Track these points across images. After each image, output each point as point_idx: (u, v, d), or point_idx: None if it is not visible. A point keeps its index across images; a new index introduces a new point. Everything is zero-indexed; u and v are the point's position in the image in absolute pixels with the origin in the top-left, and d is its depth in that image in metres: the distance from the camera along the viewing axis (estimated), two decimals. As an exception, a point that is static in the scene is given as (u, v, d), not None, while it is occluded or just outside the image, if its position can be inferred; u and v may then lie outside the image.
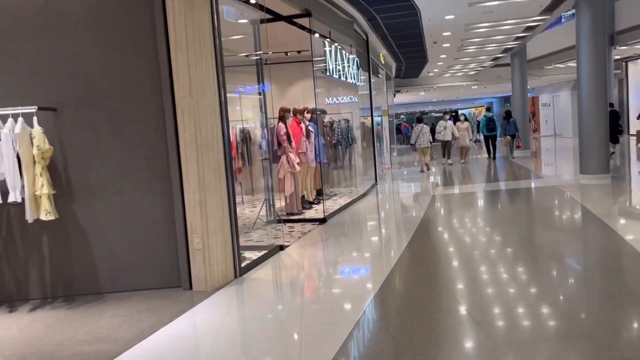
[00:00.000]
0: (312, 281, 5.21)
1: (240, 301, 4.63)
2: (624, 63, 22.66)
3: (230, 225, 5.11)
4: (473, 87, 28.18)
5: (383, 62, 15.82)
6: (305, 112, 9.62)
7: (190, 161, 4.75)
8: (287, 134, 8.64)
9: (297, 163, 8.81)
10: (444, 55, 17.74)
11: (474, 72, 24.45)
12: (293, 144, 8.78)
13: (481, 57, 19.27)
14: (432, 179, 13.89)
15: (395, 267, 5.19)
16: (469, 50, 16.85)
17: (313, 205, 9.53)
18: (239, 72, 8.96)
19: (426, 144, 14.84)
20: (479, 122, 22.69)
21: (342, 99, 12.30)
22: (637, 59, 22.04)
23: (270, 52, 11.58)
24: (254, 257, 5.80)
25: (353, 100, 12.33)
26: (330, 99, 12.36)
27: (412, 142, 15.25)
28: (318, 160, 10.22)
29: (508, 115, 17.81)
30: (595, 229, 6.54)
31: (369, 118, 16.02)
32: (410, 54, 16.76)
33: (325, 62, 8.96)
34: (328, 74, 9.05)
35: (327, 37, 9.25)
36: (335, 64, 9.45)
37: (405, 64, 19.80)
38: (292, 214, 8.69)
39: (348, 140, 11.97)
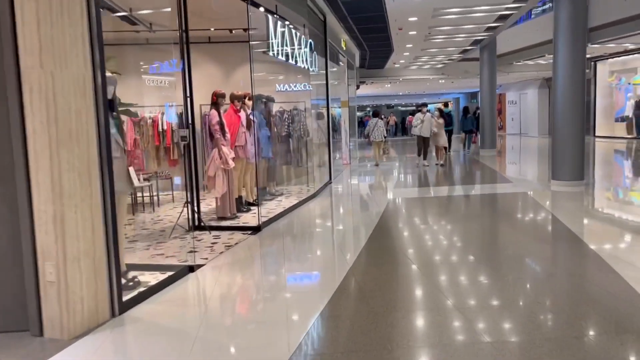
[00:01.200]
0: (216, 326, 3.92)
1: (109, 356, 3.30)
2: (592, 63, 22.08)
3: (107, 248, 3.75)
4: (440, 81, 27.28)
5: (344, 48, 14.55)
6: (247, 98, 8.27)
7: (42, 159, 3.36)
8: (221, 123, 7.29)
9: (232, 158, 7.48)
10: (410, 45, 16.61)
11: (442, 65, 23.48)
12: (227, 135, 7.43)
13: (449, 49, 18.23)
14: (390, 178, 12.77)
15: (333, 302, 3.96)
16: (437, 41, 15.76)
17: (252, 208, 8.23)
18: (163, 51, 7.54)
19: (380, 138, 14.99)
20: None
21: (295, 87, 10.99)
22: (607, 58, 21.47)
23: (212, 29, 10.20)
24: (153, 283, 4.47)
25: (307, 88, 11.03)
26: (282, 85, 11.03)
27: (365, 134, 15.64)
28: (263, 155, 8.91)
29: (465, 111, 18.40)
30: (575, 253, 5.47)
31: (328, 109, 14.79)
32: (374, 41, 15.54)
33: (269, 42, 7.61)
34: (272, 55, 7.71)
35: (273, 12, 7.91)
36: (283, 45, 8.12)
37: (370, 53, 18.60)
38: (224, 219, 7.36)
39: (300, 133, 10.69)
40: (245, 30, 8.89)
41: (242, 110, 8.26)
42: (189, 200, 6.62)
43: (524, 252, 5.43)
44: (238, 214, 7.68)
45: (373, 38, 14.90)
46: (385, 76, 24.68)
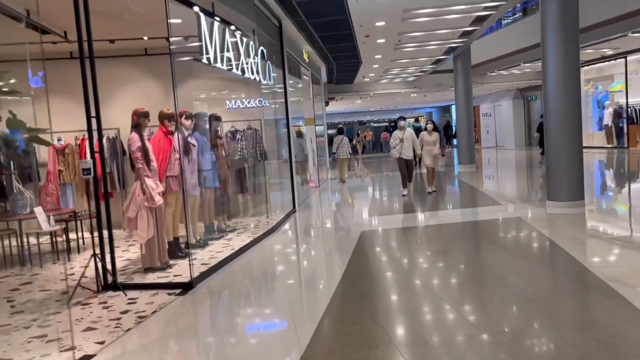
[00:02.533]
0: None
1: None
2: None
3: None
4: (412, 95, 26.21)
5: (307, 60, 13.19)
6: (183, 117, 6.77)
7: None
8: (144, 149, 5.75)
9: (162, 192, 5.93)
10: (380, 56, 15.37)
11: (413, 77, 22.37)
12: (154, 164, 5.88)
13: (421, 59, 17.07)
14: (363, 202, 11.33)
15: None
16: (408, 50, 14.54)
17: (197, 251, 6.66)
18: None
19: (345, 155, 14.94)
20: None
21: (249, 103, 9.53)
22: (583, 66, 20.65)
23: (146, 38, 8.68)
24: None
25: (263, 104, 9.58)
26: (233, 102, 9.56)
27: (333, 151, 15.39)
28: (207, 185, 7.38)
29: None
30: (602, 303, 4.07)
31: (295, 127, 13.41)
32: (340, 52, 14.23)
33: (202, 46, 6.13)
34: (206, 61, 6.22)
35: (208, 11, 6.47)
36: (223, 51, 6.66)
37: (337, 66, 17.32)
38: (153, 270, 5.79)
39: (257, 156, 9.20)
40: (186, 38, 7.43)
41: (176, 133, 6.75)
42: (94, 253, 5.04)
43: (540, 303, 4.00)
44: (172, 262, 6.10)
45: (338, 49, 13.59)
46: (355, 91, 23.46)
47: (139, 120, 5.83)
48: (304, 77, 14.11)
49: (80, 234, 7.97)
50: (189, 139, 6.84)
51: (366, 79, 21.83)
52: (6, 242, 7.05)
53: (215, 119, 7.89)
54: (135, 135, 5.78)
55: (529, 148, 24.84)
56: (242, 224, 8.75)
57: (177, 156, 6.41)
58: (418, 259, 6.07)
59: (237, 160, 8.95)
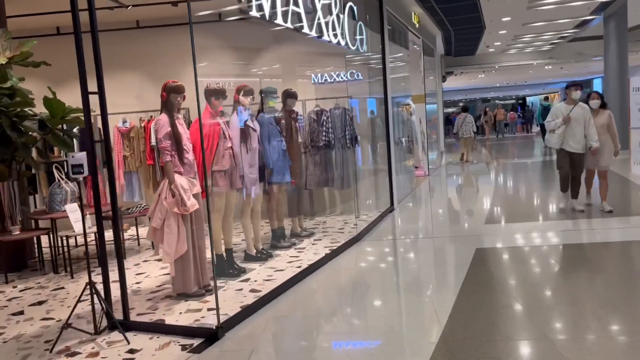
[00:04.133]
0: None
1: None
2: None
3: None
4: (546, 67, 22.65)
5: (417, 25, 11.08)
6: (241, 93, 5.25)
7: None
8: (175, 135, 4.30)
9: (197, 195, 4.46)
10: (508, 18, 12.71)
11: (549, 46, 19.04)
12: (188, 156, 4.41)
13: (561, 22, 14.00)
14: (487, 196, 9.09)
15: None
16: (545, 9, 11.76)
17: (256, 266, 5.16)
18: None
19: (469, 133, 14.23)
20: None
21: (340, 76, 7.81)
22: None
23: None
24: None
25: (356, 77, 7.82)
26: (320, 76, 7.89)
27: (454, 131, 14.85)
28: (274, 180, 5.83)
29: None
30: None
31: (403, 105, 11.49)
32: (458, 14, 11.87)
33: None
34: (259, 16, 4.56)
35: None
36: (289, 5, 4.97)
37: (455, 34, 14.89)
38: (188, 296, 4.37)
39: (346, 141, 7.51)
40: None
41: (234, 114, 5.26)
42: (89, 282, 3.70)
43: None
44: (221, 283, 4.64)
45: (457, 9, 11.27)
46: (477, 64, 20.64)
47: (169, 98, 4.36)
48: (414, 46, 12.03)
49: (134, 233, 6.92)
50: (249, 122, 5.30)
51: (490, 49, 18.96)
52: (45, 242, 6.12)
53: (288, 96, 6.27)
54: (164, 118, 4.33)
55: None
56: (324, 226, 7.12)
57: (229, 145, 4.91)
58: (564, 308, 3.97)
59: (320, 147, 7.32)
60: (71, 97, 5.22)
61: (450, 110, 39.05)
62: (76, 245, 6.55)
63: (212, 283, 4.55)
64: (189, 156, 4.42)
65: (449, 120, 25.46)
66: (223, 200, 4.93)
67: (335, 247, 5.76)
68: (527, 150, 19.09)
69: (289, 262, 5.37)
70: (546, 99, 21.86)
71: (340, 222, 7.30)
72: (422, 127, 12.42)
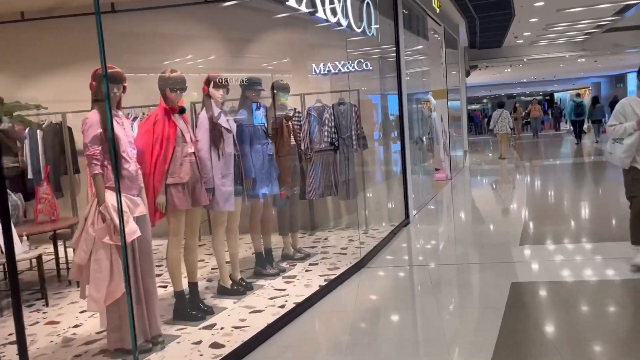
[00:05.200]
0: None
1: None
2: None
3: None
4: (579, 60, 21.05)
5: (437, 11, 9.83)
6: (211, 85, 4.15)
7: None
8: (109, 138, 3.19)
9: (143, 218, 3.35)
10: (541, 3, 11.35)
11: (583, 36, 17.52)
12: (130, 167, 3.30)
13: (600, 7, 12.53)
14: (514, 209, 7.81)
15: None
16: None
17: (233, 301, 4.06)
18: None
19: (505, 129, 14.00)
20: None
21: (347, 66, 6.64)
22: None
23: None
24: None
25: (365, 67, 6.66)
26: (322, 67, 6.73)
27: (490, 127, 14.71)
28: (256, 192, 4.71)
29: (594, 101, 17.83)
30: None
31: (425, 102, 10.32)
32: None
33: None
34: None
35: None
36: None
37: (481, 22, 13.55)
38: (128, 352, 3.27)
39: (352, 143, 6.39)
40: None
41: (203, 111, 4.17)
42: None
43: None
44: (180, 329, 3.54)
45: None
46: (504, 57, 19.19)
47: (99, 88, 3.26)
48: (434, 35, 10.79)
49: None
50: (222, 121, 4.18)
51: (519, 41, 17.52)
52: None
53: (278, 88, 5.14)
54: (92, 116, 3.24)
55: None
56: (325, 244, 5.97)
57: (189, 150, 3.79)
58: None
59: (322, 150, 6.20)
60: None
61: (472, 107, 37.37)
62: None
63: (163, 331, 3.47)
64: (130, 167, 3.31)
65: (471, 118, 23.91)
66: (182, 221, 3.82)
67: (332, 277, 4.61)
68: (559, 149, 17.68)
69: (272, 297, 4.24)
70: (578, 95, 20.35)
71: (344, 239, 6.13)
72: (444, 125, 11.17)
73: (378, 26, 6.27)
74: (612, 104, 29.58)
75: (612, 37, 18.11)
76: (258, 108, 4.75)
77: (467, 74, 19.68)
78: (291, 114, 5.40)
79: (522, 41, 17.68)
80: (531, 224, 6.58)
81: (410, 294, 4.52)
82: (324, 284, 4.45)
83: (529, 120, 24.65)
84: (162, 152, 3.66)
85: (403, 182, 6.86)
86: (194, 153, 3.84)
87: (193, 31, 6.25)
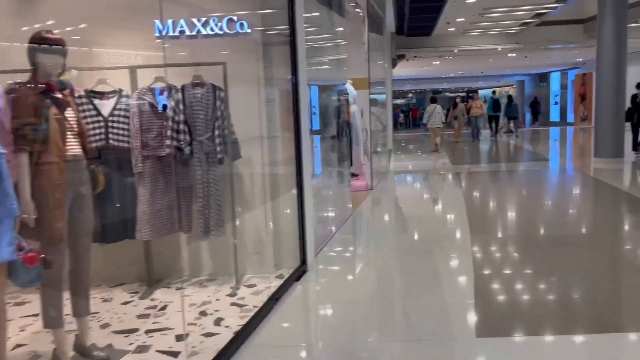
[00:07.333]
0: None
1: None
2: None
3: None
4: (509, 54, 19.89)
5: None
6: None
7: None
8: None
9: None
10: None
11: (518, 27, 16.14)
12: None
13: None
14: (459, 251, 5.68)
15: None
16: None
17: None
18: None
19: (438, 124, 14.41)
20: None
21: (209, 26, 4.20)
22: None
23: None
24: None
25: (240, 30, 4.29)
26: (166, 24, 4.26)
27: (424, 121, 14.91)
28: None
29: (509, 99, 20.08)
30: None
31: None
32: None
33: None
34: None
35: None
36: None
37: (411, 7, 11.54)
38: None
39: (214, 148, 4.00)
40: None
41: None
42: None
43: None
44: None
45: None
46: (433, 46, 17.49)
47: None
48: (356, 10, 8.61)
49: None
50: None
51: (450, 28, 15.83)
52: None
53: (42, 50, 2.63)
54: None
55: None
56: (153, 325, 3.52)
57: None
58: None
59: (163, 160, 3.81)
60: None
61: (397, 102, 35.90)
62: None
63: None
64: None
65: (404, 112, 22.22)
66: None
67: None
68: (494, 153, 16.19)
69: None
70: (494, 92, 21.45)
71: (198, 307, 3.72)
72: (365, 121, 9.02)
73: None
74: (533, 105, 29.18)
75: (546, 31, 16.98)
76: None
77: (394, 64, 17.84)
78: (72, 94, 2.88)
79: (454, 29, 16.01)
80: (489, 289, 4.45)
81: None
82: None
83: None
84: None
85: (298, 208, 4.50)
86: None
87: None
